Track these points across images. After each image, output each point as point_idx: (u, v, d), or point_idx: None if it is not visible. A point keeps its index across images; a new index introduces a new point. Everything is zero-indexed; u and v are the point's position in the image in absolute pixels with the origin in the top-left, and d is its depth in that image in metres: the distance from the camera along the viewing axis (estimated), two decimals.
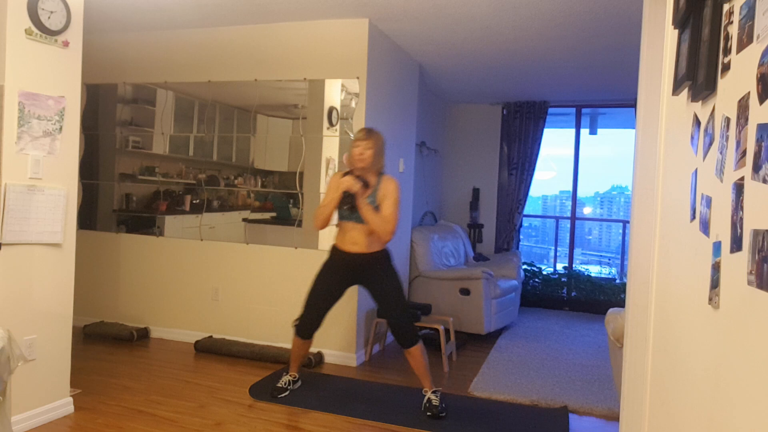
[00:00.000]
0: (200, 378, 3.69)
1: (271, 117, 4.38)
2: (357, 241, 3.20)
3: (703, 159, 1.35)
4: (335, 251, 3.30)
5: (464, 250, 6.01)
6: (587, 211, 7.58)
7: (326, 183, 4.17)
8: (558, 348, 4.81)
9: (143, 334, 4.52)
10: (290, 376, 3.46)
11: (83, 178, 4.60)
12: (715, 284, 1.18)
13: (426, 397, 3.21)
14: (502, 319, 5.18)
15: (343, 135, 4.11)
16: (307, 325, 3.34)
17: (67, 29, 2.90)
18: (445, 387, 3.75)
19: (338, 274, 3.30)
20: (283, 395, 3.35)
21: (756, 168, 0.97)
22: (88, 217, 4.78)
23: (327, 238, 4.16)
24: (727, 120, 1.15)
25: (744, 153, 1.03)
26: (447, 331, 4.35)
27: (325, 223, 3.23)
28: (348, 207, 3.12)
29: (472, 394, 3.61)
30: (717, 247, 1.17)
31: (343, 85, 4.11)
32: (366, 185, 3.14)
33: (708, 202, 1.27)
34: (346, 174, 3.19)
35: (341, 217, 3.22)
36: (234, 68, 4.38)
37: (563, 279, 6.65)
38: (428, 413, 3.14)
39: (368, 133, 3.21)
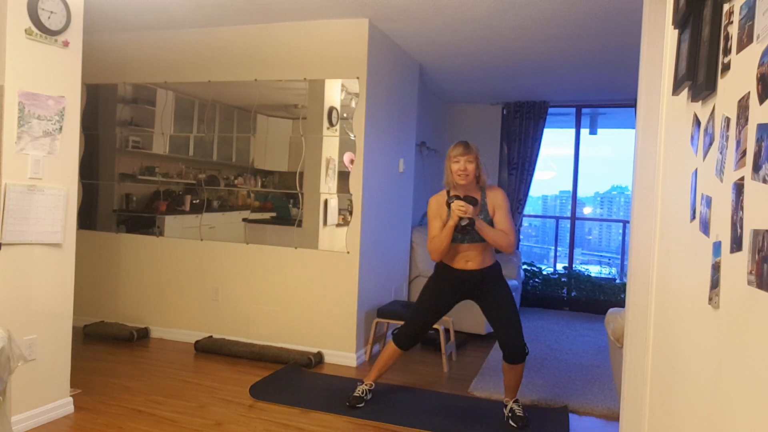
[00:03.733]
0: (200, 378, 3.69)
1: (271, 117, 4.38)
2: (471, 259, 3.07)
3: (703, 159, 1.35)
4: (446, 269, 3.14)
5: None
6: (587, 211, 7.58)
7: (326, 183, 4.17)
8: (558, 348, 4.81)
9: (143, 334, 4.52)
10: (367, 385, 3.35)
11: (83, 178, 4.60)
12: (715, 284, 1.18)
13: (509, 407, 3.16)
14: None
15: (343, 135, 4.11)
16: (410, 336, 3.26)
17: (67, 29, 2.90)
18: (445, 387, 3.75)
19: (451, 290, 3.18)
20: (360, 405, 3.25)
21: (756, 168, 0.97)
22: (88, 217, 4.78)
23: (327, 238, 4.17)
24: (727, 120, 1.15)
25: (744, 153, 1.03)
26: (447, 331, 4.35)
27: (443, 255, 3.08)
28: (465, 232, 2.94)
29: (472, 394, 3.61)
30: (717, 247, 1.17)
31: (343, 85, 4.11)
32: (474, 202, 2.95)
33: (708, 202, 1.27)
34: (450, 197, 3.00)
35: (454, 240, 3.04)
36: (234, 68, 4.38)
37: (563, 279, 6.65)
38: (513, 423, 3.09)
39: (467, 147, 3.02)
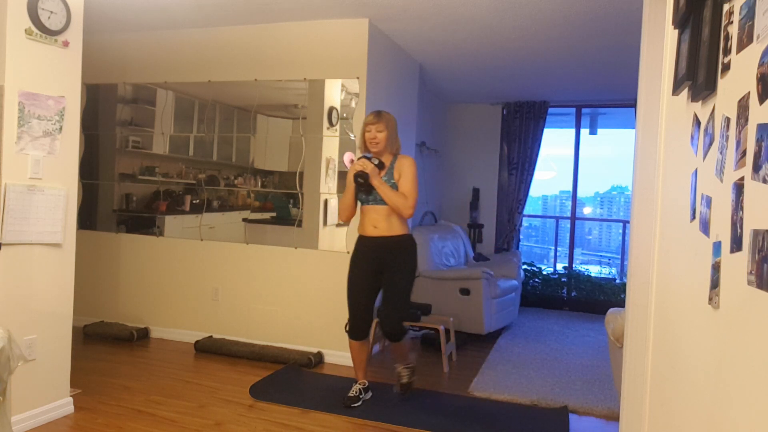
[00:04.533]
0: (200, 378, 3.69)
1: (271, 117, 4.38)
2: (377, 224, 3.15)
3: (703, 159, 1.35)
4: (359, 239, 3.24)
5: (464, 250, 6.01)
6: (587, 211, 7.58)
7: (326, 183, 4.17)
8: (558, 348, 4.81)
9: (143, 334, 4.52)
10: (359, 384, 3.34)
11: (83, 178, 4.60)
12: (715, 284, 1.18)
13: (398, 371, 3.37)
14: (502, 319, 5.18)
15: (343, 135, 4.11)
16: (356, 325, 3.24)
17: (67, 29, 2.90)
18: (445, 387, 3.75)
19: (366, 262, 3.20)
20: (356, 405, 3.24)
21: (756, 168, 0.97)
22: (88, 217, 4.78)
23: (327, 238, 4.17)
24: (727, 120, 1.15)
25: (744, 153, 1.03)
26: (447, 331, 4.35)
27: (349, 212, 3.22)
28: (363, 188, 3.09)
29: (472, 394, 3.61)
30: (717, 247, 1.17)
31: (343, 85, 4.11)
32: (381, 166, 3.12)
33: (708, 202, 1.27)
34: (361, 158, 3.16)
35: (362, 202, 3.19)
36: (234, 68, 4.38)
37: (563, 279, 6.65)
38: (398, 390, 3.32)
39: (378, 115, 3.16)
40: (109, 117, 4.77)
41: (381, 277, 3.21)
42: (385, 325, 3.16)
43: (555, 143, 7.19)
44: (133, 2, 3.89)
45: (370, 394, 3.39)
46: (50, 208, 2.85)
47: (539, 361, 4.37)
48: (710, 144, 1.29)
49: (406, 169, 3.14)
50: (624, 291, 3.09)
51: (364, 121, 3.20)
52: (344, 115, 4.10)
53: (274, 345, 4.23)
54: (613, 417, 3.27)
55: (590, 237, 7.84)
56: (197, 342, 4.27)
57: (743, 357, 1.01)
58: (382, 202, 3.11)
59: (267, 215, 4.42)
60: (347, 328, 3.29)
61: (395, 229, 3.15)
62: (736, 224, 1.05)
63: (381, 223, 3.14)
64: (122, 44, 4.68)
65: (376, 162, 3.12)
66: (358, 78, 4.05)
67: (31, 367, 2.80)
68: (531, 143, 6.52)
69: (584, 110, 6.68)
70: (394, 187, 3.12)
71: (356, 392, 3.31)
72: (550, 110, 6.54)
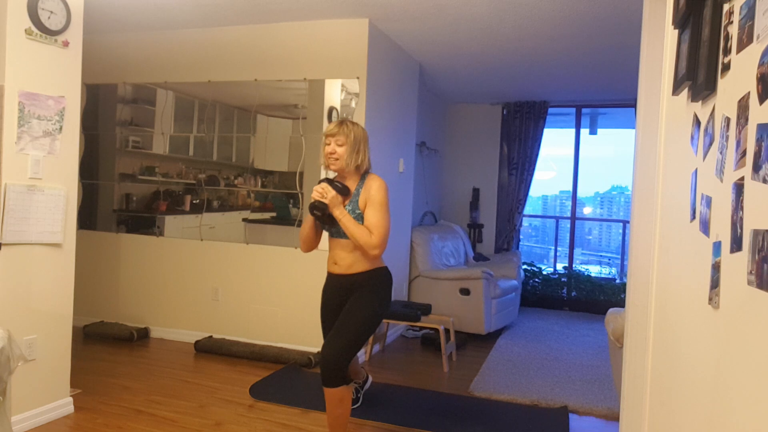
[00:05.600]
0: (200, 378, 3.69)
1: (271, 117, 4.38)
2: (338, 260, 2.62)
3: (703, 159, 1.35)
4: (327, 274, 2.74)
5: (464, 250, 6.01)
6: (587, 211, 7.58)
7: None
8: (558, 348, 4.81)
9: (143, 334, 4.52)
10: (355, 383, 3.13)
11: (83, 178, 4.60)
12: (715, 284, 1.18)
13: None
14: (502, 319, 5.18)
15: None
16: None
17: (67, 29, 2.90)
18: (445, 387, 3.75)
19: (332, 300, 2.68)
20: (356, 405, 3.16)
21: (756, 168, 0.97)
22: (88, 217, 4.78)
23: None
24: (727, 120, 1.15)
25: (744, 153, 1.03)
26: (447, 331, 4.35)
27: (309, 244, 2.72)
28: (323, 220, 2.56)
29: (472, 394, 3.61)
30: (717, 247, 1.17)
31: (343, 85, 4.11)
32: (345, 191, 2.55)
33: (708, 202, 1.27)
34: (322, 180, 2.61)
35: (329, 234, 2.66)
36: (234, 68, 4.38)
37: (563, 279, 6.65)
38: None
39: (339, 125, 2.57)
40: (109, 117, 4.77)
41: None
42: (321, 364, 2.49)
43: (555, 143, 7.20)
44: (133, 2, 3.89)
45: (369, 381, 3.28)
46: (50, 208, 2.85)
47: (539, 361, 4.37)
48: (710, 144, 1.29)
49: (373, 197, 2.52)
50: (624, 291, 3.09)
51: (324, 131, 2.64)
52: (344, 115, 4.10)
53: (274, 345, 4.23)
54: (613, 417, 3.27)
55: (590, 237, 7.84)
56: (197, 342, 4.27)
57: (743, 357, 1.01)
58: (345, 235, 2.55)
59: (267, 215, 4.42)
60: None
61: (359, 265, 2.58)
62: (736, 224, 1.05)
63: (344, 259, 2.59)
64: (122, 44, 4.68)
65: (340, 186, 2.53)
66: (358, 78, 4.05)
67: (31, 367, 2.80)
68: (531, 143, 6.52)
69: (584, 110, 6.68)
70: (359, 218, 2.53)
71: (354, 393, 3.30)
72: (550, 110, 6.54)
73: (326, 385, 2.49)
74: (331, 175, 2.77)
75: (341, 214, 2.51)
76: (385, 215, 2.53)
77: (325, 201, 2.50)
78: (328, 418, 2.56)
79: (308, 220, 2.67)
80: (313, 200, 2.54)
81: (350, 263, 2.59)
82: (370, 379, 3.35)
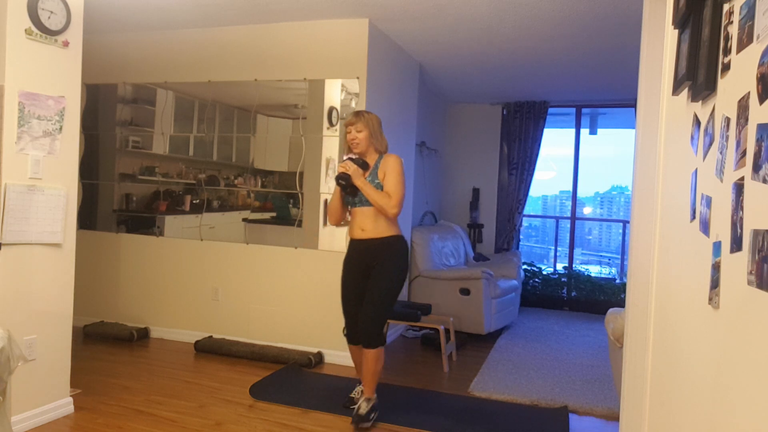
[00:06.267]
0: (200, 378, 3.69)
1: (271, 117, 4.38)
2: (364, 227, 3.06)
3: (703, 159, 1.35)
4: (349, 242, 3.18)
5: (464, 250, 6.01)
6: (587, 211, 7.58)
7: (326, 183, 4.17)
8: (558, 348, 4.81)
9: (143, 334, 4.52)
10: (362, 386, 3.23)
11: (83, 178, 4.60)
12: (715, 284, 1.18)
13: (359, 402, 3.05)
14: (502, 319, 5.18)
15: (343, 135, 4.10)
16: (351, 330, 3.17)
17: (67, 29, 2.90)
18: (445, 387, 3.75)
19: (354, 265, 3.14)
20: (355, 406, 3.19)
21: (756, 168, 0.97)
22: (88, 217, 4.78)
23: (327, 238, 4.17)
24: (727, 120, 1.15)
25: (744, 153, 1.03)
26: (447, 331, 4.35)
27: (337, 216, 3.16)
28: (347, 190, 3.02)
29: (472, 394, 3.61)
30: (717, 247, 1.17)
31: (343, 85, 4.11)
32: (365, 166, 3.04)
33: (708, 202, 1.27)
34: (345, 159, 3.10)
35: (349, 204, 3.12)
36: (234, 68, 4.38)
37: (563, 279, 6.65)
38: (355, 419, 2.97)
39: (357, 115, 3.10)
40: (109, 117, 4.77)
41: (365, 279, 3.13)
42: (360, 330, 3.03)
43: (555, 143, 7.20)
44: (133, 2, 3.89)
45: (377, 414, 3.34)
46: (50, 208, 2.85)
47: (539, 361, 4.37)
48: (710, 144, 1.29)
49: (390, 168, 3.05)
50: (624, 291, 3.09)
51: (344, 122, 3.17)
52: (344, 115, 4.10)
53: (274, 345, 4.23)
54: (613, 417, 3.27)
55: (590, 237, 7.84)
56: (197, 342, 4.27)
57: (743, 357, 1.01)
58: (368, 203, 3.03)
59: (267, 215, 4.42)
60: (345, 332, 3.26)
61: (382, 230, 3.06)
62: (736, 224, 1.05)
63: (368, 225, 3.06)
64: (122, 44, 4.68)
65: (360, 162, 3.04)
66: (358, 78, 4.05)
67: (31, 367, 2.80)
68: (531, 143, 6.52)
69: (584, 110, 6.68)
70: (379, 187, 3.03)
71: (357, 393, 3.30)
72: (550, 110, 6.54)
73: (367, 347, 3.01)
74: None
75: (363, 183, 3.00)
76: (402, 182, 3.05)
77: (348, 172, 2.99)
78: (366, 375, 3.07)
79: (336, 192, 3.13)
80: (338, 172, 3.02)
81: (375, 228, 3.06)
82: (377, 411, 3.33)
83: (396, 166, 3.06)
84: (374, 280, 3.07)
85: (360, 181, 2.99)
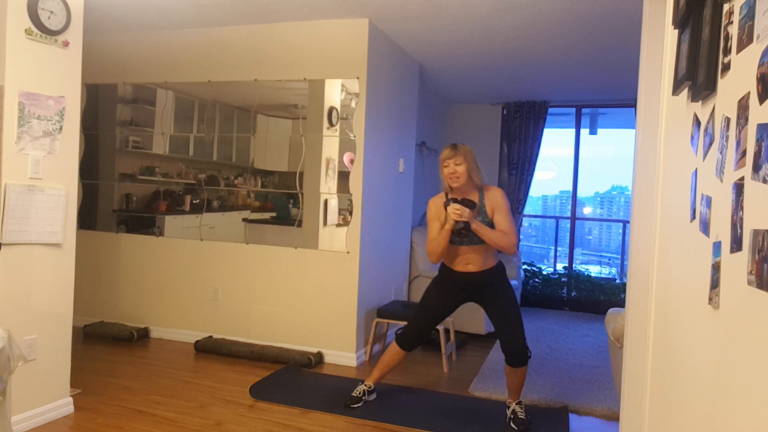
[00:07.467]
0: (200, 378, 3.69)
1: (271, 117, 4.38)
2: (472, 261, 3.04)
3: (703, 159, 1.35)
4: (449, 271, 3.13)
5: None
6: (587, 211, 7.58)
7: (326, 183, 4.17)
8: (558, 348, 4.81)
9: (143, 334, 4.52)
10: (365, 385, 3.33)
11: (83, 178, 4.60)
12: (715, 284, 1.18)
13: (511, 409, 3.14)
14: None
15: (343, 135, 4.11)
16: (413, 337, 3.21)
17: (67, 29, 2.90)
18: (445, 387, 3.75)
19: (453, 292, 3.15)
20: (357, 405, 3.24)
21: (756, 168, 0.97)
22: (88, 217, 4.78)
23: (327, 238, 4.17)
24: (727, 120, 1.15)
25: (744, 153, 1.03)
26: (447, 331, 4.35)
27: (442, 257, 3.06)
28: (463, 233, 2.92)
29: (472, 394, 3.61)
30: (717, 247, 1.17)
31: (343, 85, 4.11)
32: (472, 205, 2.92)
33: (708, 202, 1.27)
34: (447, 200, 2.96)
35: (457, 244, 3.03)
36: (234, 68, 4.38)
37: (563, 279, 6.65)
38: (514, 426, 3.06)
39: (454, 148, 2.99)
40: (109, 117, 4.77)
41: (456, 308, 3.24)
42: (513, 352, 3.03)
43: (555, 143, 7.20)
44: (133, 2, 3.89)
45: (374, 396, 3.38)
46: (50, 208, 2.85)
47: (539, 361, 4.37)
48: (710, 144, 1.29)
49: (499, 204, 2.99)
50: (624, 291, 3.09)
51: (440, 157, 3.03)
52: (344, 115, 4.10)
53: (274, 345, 4.23)
54: (613, 417, 3.27)
55: (590, 237, 7.84)
56: (197, 342, 4.27)
57: (743, 357, 1.01)
58: (478, 242, 2.96)
59: (267, 215, 4.42)
60: (399, 334, 3.26)
61: (489, 263, 3.06)
62: (736, 224, 1.05)
63: (476, 260, 3.03)
64: (122, 44, 4.68)
65: (468, 203, 2.91)
66: (358, 78, 4.05)
67: (31, 367, 2.80)
68: (531, 143, 6.52)
69: (584, 110, 6.67)
70: (490, 225, 2.99)
71: (360, 393, 3.30)
72: (550, 110, 6.54)
73: (522, 365, 3.08)
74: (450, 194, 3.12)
75: (479, 227, 2.93)
76: (512, 218, 3.07)
77: (466, 219, 2.88)
78: (518, 387, 3.16)
79: (444, 238, 2.97)
80: (454, 221, 2.90)
81: (483, 262, 3.05)
82: (375, 393, 3.40)
83: (504, 202, 3.02)
84: (500, 307, 3.07)
85: (476, 224, 2.91)
